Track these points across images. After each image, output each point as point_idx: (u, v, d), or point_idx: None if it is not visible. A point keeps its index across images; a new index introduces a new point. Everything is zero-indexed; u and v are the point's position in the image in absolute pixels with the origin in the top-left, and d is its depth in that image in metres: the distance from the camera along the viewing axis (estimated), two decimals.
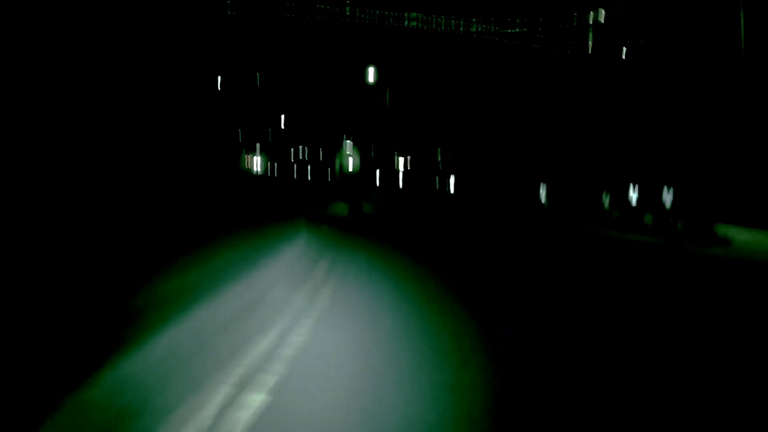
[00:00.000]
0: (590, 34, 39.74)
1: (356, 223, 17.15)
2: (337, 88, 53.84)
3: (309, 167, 63.68)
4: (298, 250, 10.01)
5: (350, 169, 17.75)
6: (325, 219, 17.78)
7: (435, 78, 45.70)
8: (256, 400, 4.15)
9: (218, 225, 12.26)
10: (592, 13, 40.00)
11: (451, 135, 47.50)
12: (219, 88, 31.55)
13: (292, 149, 70.82)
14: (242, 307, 5.83)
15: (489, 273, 11.23)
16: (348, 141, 17.85)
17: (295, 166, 70.47)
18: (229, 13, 30.92)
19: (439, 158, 52.30)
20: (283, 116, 65.09)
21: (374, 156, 60.17)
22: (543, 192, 31.38)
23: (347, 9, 37.01)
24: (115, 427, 3.31)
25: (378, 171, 57.32)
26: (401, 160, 58.90)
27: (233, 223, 13.12)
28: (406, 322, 6.76)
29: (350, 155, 17.78)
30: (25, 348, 3.72)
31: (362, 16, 36.47)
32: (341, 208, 19.80)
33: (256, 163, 78.38)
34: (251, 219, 14.49)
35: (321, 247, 12.50)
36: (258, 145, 74.02)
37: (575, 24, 40.45)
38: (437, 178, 50.30)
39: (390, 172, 57.73)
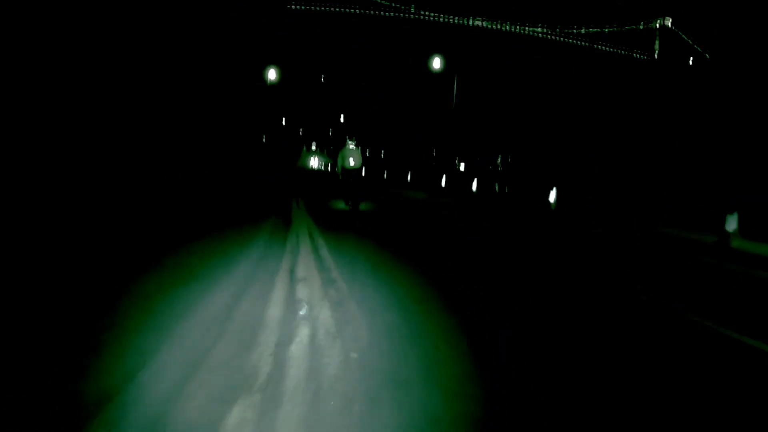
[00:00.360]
0: (657, 41, 39.09)
1: (353, 221, 16.71)
2: (397, 88, 53.64)
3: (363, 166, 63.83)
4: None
5: (351, 165, 17.92)
6: (326, 215, 17.55)
7: (498, 81, 44.87)
8: None
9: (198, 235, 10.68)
10: (659, 19, 39.39)
11: (528, 139, 45.00)
12: (279, 87, 31.77)
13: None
14: None
15: None
16: (351, 141, 17.98)
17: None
18: (291, 8, 31.20)
19: (499, 162, 51.11)
20: (342, 115, 65.68)
21: (436, 156, 59.80)
22: (733, 224, 16.21)
23: (412, 8, 37.13)
24: None
25: (444, 174, 56.60)
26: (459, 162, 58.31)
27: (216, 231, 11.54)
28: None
29: (353, 154, 17.92)
30: None
31: (427, 15, 36.51)
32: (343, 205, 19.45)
33: (315, 160, 78.56)
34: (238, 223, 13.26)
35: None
36: (314, 143, 74.56)
37: (642, 29, 39.87)
38: (496, 183, 49.05)
39: (454, 175, 56.68)
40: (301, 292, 6.39)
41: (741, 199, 23.42)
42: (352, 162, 18.20)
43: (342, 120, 64.79)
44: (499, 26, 36.24)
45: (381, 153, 48.90)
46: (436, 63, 35.84)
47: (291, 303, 5.89)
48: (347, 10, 33.28)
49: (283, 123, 49.35)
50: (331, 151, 74.55)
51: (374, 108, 56.10)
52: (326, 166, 78.55)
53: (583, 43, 36.54)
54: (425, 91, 49.16)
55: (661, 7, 35.74)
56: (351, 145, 18.53)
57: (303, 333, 5.05)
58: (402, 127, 53.16)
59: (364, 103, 55.50)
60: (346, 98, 55.38)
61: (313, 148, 65.90)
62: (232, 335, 4.76)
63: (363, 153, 64.41)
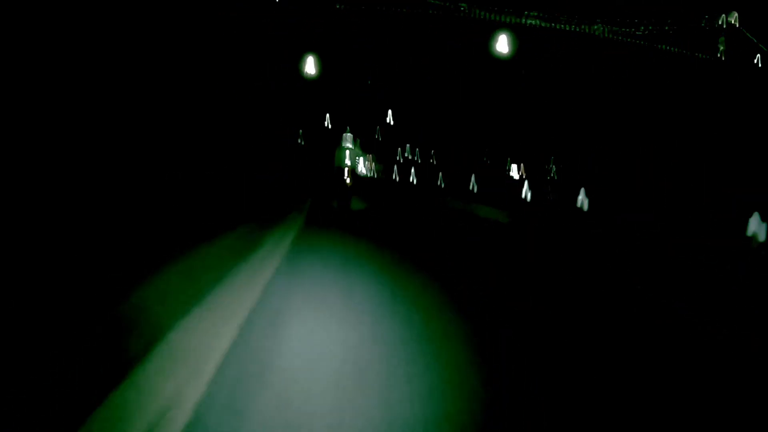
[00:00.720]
0: (722, 39, 37.29)
1: (342, 218, 17.64)
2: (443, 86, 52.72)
3: (413, 168, 62.91)
4: None
5: (347, 164, 17.90)
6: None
7: (552, 78, 43.61)
8: None
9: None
10: (723, 15, 37.51)
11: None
12: (322, 83, 31.62)
13: (399, 148, 70.46)
14: None
15: None
16: (348, 134, 17.87)
17: (395, 166, 69.82)
18: (338, 7, 30.47)
19: (553, 167, 49.28)
20: (390, 112, 64.71)
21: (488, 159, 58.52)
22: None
23: (462, 6, 35.98)
24: None
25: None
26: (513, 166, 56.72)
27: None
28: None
29: (348, 150, 17.74)
30: None
31: (478, 12, 35.29)
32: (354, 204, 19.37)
33: (362, 162, 78.42)
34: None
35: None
36: (356, 143, 73.72)
37: (705, 26, 38.00)
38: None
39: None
40: None
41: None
42: (347, 161, 17.84)
43: (390, 119, 64.05)
44: (553, 25, 34.94)
45: (428, 153, 48.40)
46: (502, 44, 34.17)
47: None
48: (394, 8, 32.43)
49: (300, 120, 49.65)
50: (377, 151, 73.73)
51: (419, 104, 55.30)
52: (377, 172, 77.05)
53: (643, 42, 34.91)
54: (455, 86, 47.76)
55: (728, 5, 33.99)
56: (348, 143, 18.21)
57: None
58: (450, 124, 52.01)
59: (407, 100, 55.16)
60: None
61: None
62: None
63: (406, 154, 63.80)
